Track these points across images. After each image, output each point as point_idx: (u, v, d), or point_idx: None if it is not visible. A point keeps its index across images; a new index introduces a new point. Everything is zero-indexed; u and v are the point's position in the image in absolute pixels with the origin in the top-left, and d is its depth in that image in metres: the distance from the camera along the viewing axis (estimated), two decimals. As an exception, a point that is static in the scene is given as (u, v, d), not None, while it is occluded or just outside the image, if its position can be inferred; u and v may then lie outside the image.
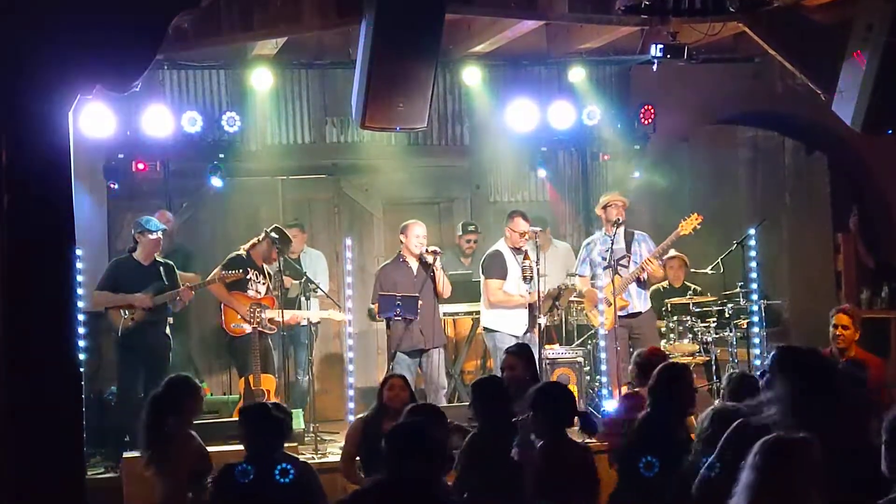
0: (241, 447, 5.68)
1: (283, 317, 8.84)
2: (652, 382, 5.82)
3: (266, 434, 5.44)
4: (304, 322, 9.56)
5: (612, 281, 9.07)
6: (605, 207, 9.48)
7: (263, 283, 9.06)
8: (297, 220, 10.46)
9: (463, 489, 5.53)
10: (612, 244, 9.17)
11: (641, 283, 9.44)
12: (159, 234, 8.81)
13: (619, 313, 9.21)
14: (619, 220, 9.29)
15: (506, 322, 9.12)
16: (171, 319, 9.01)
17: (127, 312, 8.64)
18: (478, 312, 9.68)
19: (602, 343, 9.29)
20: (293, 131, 10.92)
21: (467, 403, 9.03)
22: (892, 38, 7.98)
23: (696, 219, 9.28)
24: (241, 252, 9.20)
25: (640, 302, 9.43)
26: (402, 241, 9.08)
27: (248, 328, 8.81)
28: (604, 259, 9.26)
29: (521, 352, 7.29)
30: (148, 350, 8.73)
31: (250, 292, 8.91)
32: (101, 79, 5.43)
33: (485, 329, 9.30)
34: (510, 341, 8.90)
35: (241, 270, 8.95)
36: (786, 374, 4.35)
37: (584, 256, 9.60)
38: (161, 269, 8.84)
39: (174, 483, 5.91)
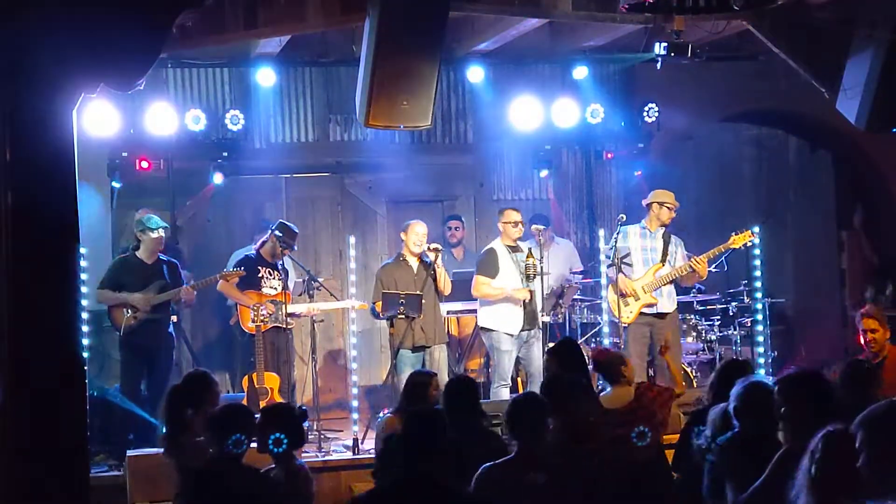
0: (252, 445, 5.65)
1: (285, 309, 8.83)
2: (713, 378, 5.81)
3: (232, 435, 5.27)
4: (326, 311, 9.44)
5: (617, 280, 8.97)
6: (660, 204, 9.05)
7: (278, 280, 9.06)
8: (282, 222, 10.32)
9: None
10: (616, 242, 9.03)
11: (673, 283, 9.06)
12: (161, 231, 8.80)
13: (644, 310, 8.94)
14: (668, 224, 9.03)
15: (500, 321, 8.91)
16: (174, 318, 9.01)
17: (130, 311, 8.65)
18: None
19: (607, 341, 9.26)
20: (297, 129, 10.93)
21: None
22: (896, 35, 7.97)
23: (749, 236, 8.92)
24: (252, 252, 9.22)
25: (668, 301, 9.05)
26: (402, 240, 9.06)
27: (269, 324, 8.84)
28: (642, 251, 9.04)
29: (557, 350, 6.88)
30: (151, 348, 8.73)
31: (265, 290, 8.93)
32: (104, 77, 5.42)
33: (481, 328, 9.16)
34: (506, 340, 8.86)
35: (242, 268, 8.96)
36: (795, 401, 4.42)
37: (612, 245, 9.02)
38: (164, 267, 8.84)
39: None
